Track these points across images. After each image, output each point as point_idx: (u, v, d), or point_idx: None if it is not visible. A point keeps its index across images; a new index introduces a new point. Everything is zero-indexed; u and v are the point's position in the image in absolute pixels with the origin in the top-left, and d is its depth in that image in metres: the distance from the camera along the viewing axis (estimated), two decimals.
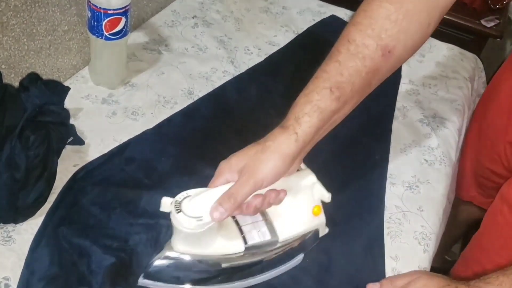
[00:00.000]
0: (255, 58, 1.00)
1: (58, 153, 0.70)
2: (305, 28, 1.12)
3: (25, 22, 0.73)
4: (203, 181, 0.73)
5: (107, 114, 0.81)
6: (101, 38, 0.78)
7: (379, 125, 0.91)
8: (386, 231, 0.74)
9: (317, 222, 0.66)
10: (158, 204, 0.68)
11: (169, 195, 0.61)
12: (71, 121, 0.74)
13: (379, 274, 0.68)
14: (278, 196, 0.57)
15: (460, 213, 1.23)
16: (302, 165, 0.64)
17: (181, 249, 0.57)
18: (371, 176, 0.82)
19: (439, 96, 1.01)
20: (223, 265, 0.59)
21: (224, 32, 1.05)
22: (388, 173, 0.83)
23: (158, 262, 0.57)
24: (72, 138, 0.73)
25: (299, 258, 0.66)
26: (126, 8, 0.77)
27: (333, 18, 1.17)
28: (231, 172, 0.56)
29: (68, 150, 0.73)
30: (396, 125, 0.92)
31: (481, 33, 1.45)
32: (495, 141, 1.03)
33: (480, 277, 0.65)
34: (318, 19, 1.16)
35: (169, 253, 0.57)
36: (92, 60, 0.85)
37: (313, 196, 0.64)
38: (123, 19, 0.78)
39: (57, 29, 0.80)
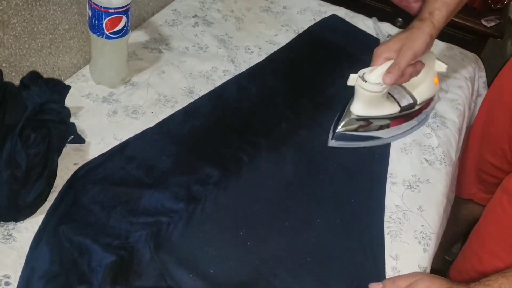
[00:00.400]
0: (256, 57, 1.01)
1: (58, 152, 0.70)
2: (305, 28, 1.12)
3: (26, 20, 0.73)
4: (204, 180, 0.74)
5: (108, 113, 0.81)
6: (102, 37, 0.78)
7: None
8: (386, 230, 0.74)
9: (437, 89, 0.92)
10: (159, 202, 0.70)
11: (169, 194, 0.70)
12: (72, 120, 0.75)
13: (379, 273, 0.68)
14: (418, 67, 0.80)
15: (460, 212, 1.24)
16: None
17: (360, 112, 0.81)
18: (372, 175, 0.82)
19: (439, 96, 1.01)
20: (386, 122, 0.85)
21: (225, 31, 1.05)
22: (388, 172, 0.83)
23: (343, 126, 0.81)
24: (72, 136, 0.73)
25: (428, 116, 0.94)
26: (127, 7, 0.77)
27: (334, 17, 1.17)
28: (389, 52, 0.78)
29: (68, 148, 0.73)
30: None
31: (481, 33, 1.45)
32: (499, 135, 1.04)
33: (480, 280, 0.65)
34: (318, 18, 1.16)
35: (352, 117, 0.81)
36: (92, 59, 0.85)
37: (434, 69, 0.88)
38: (124, 18, 0.78)
39: (58, 27, 0.80)
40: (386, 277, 0.68)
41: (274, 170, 0.78)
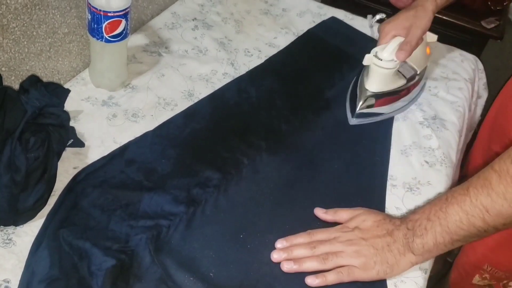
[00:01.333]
0: (255, 60, 1.01)
1: (58, 155, 0.70)
2: (305, 30, 1.12)
3: (25, 24, 0.73)
4: (204, 183, 0.74)
5: (107, 116, 0.81)
6: (101, 40, 0.78)
7: (379, 127, 0.91)
8: None
9: (429, 58, 0.99)
10: (159, 205, 0.70)
11: (169, 197, 0.70)
12: (71, 123, 0.74)
13: None
14: (419, 42, 0.88)
15: None
16: None
17: (375, 88, 0.88)
18: (372, 178, 0.81)
19: (439, 98, 1.01)
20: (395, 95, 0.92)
21: (224, 34, 1.05)
22: (388, 174, 0.83)
23: (363, 104, 0.88)
24: (72, 140, 0.73)
25: (426, 83, 1.02)
26: (126, 10, 0.77)
27: (333, 19, 1.17)
28: (397, 29, 0.87)
29: (68, 152, 0.73)
30: (396, 127, 0.92)
31: (481, 35, 1.45)
32: (507, 125, 1.03)
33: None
34: (318, 20, 1.16)
35: (368, 94, 0.88)
36: (92, 63, 0.85)
37: (425, 40, 0.94)
38: (123, 21, 0.78)
39: (57, 31, 0.80)
40: (388, 282, 0.67)
41: (274, 173, 0.78)
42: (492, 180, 0.60)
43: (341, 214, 0.71)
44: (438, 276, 1.11)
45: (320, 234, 0.68)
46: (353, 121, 0.90)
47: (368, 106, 0.89)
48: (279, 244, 0.68)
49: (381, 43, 0.88)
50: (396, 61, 0.85)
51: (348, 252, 0.65)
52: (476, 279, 0.93)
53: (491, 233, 0.62)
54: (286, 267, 0.65)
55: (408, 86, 0.93)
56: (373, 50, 0.86)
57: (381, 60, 0.85)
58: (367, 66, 0.89)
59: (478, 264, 0.92)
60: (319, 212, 0.73)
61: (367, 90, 0.88)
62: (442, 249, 0.64)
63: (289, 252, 0.66)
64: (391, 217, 0.69)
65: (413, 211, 0.68)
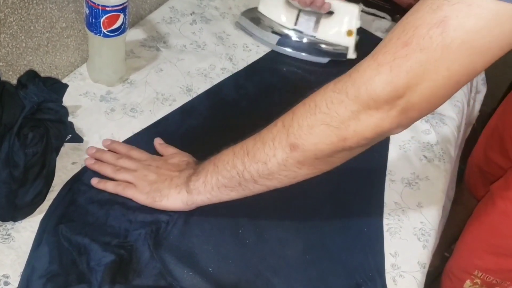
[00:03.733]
0: (254, 55, 1.00)
1: (56, 151, 0.69)
2: None
3: (22, 19, 0.73)
4: None
5: (106, 112, 0.81)
6: (99, 35, 0.78)
7: None
8: (385, 227, 0.74)
9: (347, 41, 0.98)
10: None
11: None
12: (70, 119, 0.74)
13: (378, 270, 0.68)
14: (324, 4, 0.91)
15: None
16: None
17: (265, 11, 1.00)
18: (370, 173, 0.82)
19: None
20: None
21: (223, 28, 1.05)
22: (387, 169, 0.83)
23: (245, 13, 1.04)
24: (70, 135, 0.73)
25: (324, 60, 0.99)
26: (124, 4, 0.77)
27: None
28: None
29: (66, 147, 0.73)
30: None
31: None
32: (504, 134, 1.04)
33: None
34: None
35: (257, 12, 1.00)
36: (90, 58, 0.85)
37: (350, 21, 0.95)
38: (122, 16, 0.78)
39: (55, 26, 0.80)
40: (386, 274, 0.68)
41: None
42: (264, 128, 0.63)
43: (167, 149, 0.75)
44: (437, 272, 1.12)
45: (136, 153, 0.73)
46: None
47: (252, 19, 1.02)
48: (104, 142, 0.75)
49: None
50: None
51: (138, 172, 0.69)
52: (468, 284, 0.94)
53: (249, 184, 0.62)
54: (88, 162, 0.71)
55: (296, 37, 0.99)
56: None
57: None
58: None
59: (468, 270, 0.93)
60: (156, 143, 0.76)
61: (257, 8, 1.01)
62: (209, 191, 0.64)
63: (99, 154, 0.72)
64: (197, 163, 0.70)
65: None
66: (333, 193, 0.77)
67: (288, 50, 1.00)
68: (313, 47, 0.99)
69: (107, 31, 0.78)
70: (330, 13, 0.97)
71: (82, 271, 0.59)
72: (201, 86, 0.90)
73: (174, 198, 0.66)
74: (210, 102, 0.87)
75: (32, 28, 0.75)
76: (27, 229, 0.63)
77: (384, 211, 0.76)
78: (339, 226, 0.72)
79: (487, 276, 0.90)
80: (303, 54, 1.00)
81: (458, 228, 1.30)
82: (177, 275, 0.62)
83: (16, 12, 0.71)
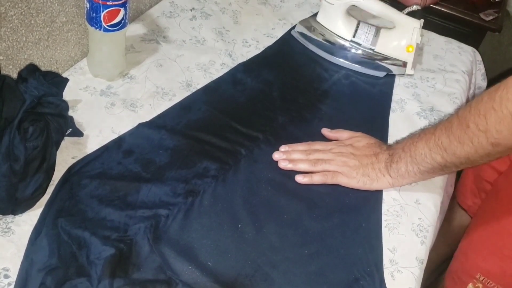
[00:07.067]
0: (253, 50, 1.00)
1: (57, 145, 0.70)
2: None
3: (23, 13, 0.73)
4: (202, 173, 0.74)
5: (106, 106, 0.81)
6: (100, 29, 0.78)
7: (376, 118, 0.92)
8: (384, 223, 0.74)
9: (405, 56, 0.96)
10: (157, 196, 0.69)
11: (167, 188, 0.70)
12: (70, 113, 0.74)
13: (377, 266, 0.69)
14: None
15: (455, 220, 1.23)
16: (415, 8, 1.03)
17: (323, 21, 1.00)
18: None
19: (436, 89, 1.01)
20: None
21: (222, 24, 1.05)
22: None
23: (302, 23, 1.02)
24: (70, 130, 0.73)
25: (380, 74, 0.98)
26: None
27: None
28: None
29: (66, 142, 0.73)
30: (393, 118, 0.92)
31: (479, 27, 1.45)
32: None
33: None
34: (316, 11, 1.15)
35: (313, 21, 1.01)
36: (90, 52, 0.85)
37: (411, 37, 0.94)
38: (122, 10, 0.78)
39: (55, 20, 0.80)
40: (384, 270, 0.68)
41: (272, 163, 0.79)
42: (453, 125, 0.68)
43: (342, 133, 0.83)
44: (440, 269, 1.12)
45: (318, 145, 0.80)
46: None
47: (309, 30, 1.00)
48: (282, 148, 0.79)
49: None
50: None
51: (337, 161, 0.76)
52: (470, 287, 0.94)
53: (451, 169, 0.71)
54: (282, 164, 0.77)
55: (353, 50, 0.97)
56: None
57: None
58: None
59: (471, 273, 0.93)
60: (325, 131, 0.84)
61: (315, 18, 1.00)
62: (413, 176, 0.75)
63: (288, 155, 0.78)
64: (381, 144, 0.80)
65: (395, 142, 0.82)
66: (332, 188, 0.77)
67: (343, 62, 0.98)
68: (370, 60, 0.97)
69: (107, 26, 0.78)
70: (390, 26, 0.97)
71: (81, 265, 0.59)
72: (201, 82, 0.90)
73: (382, 181, 0.76)
74: (208, 97, 0.87)
75: (32, 22, 0.75)
76: (27, 223, 0.63)
77: (383, 207, 0.76)
78: (338, 221, 0.73)
79: (489, 282, 0.90)
80: (358, 66, 0.98)
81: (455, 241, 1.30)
82: (176, 269, 0.62)
83: (16, 6, 0.71)
